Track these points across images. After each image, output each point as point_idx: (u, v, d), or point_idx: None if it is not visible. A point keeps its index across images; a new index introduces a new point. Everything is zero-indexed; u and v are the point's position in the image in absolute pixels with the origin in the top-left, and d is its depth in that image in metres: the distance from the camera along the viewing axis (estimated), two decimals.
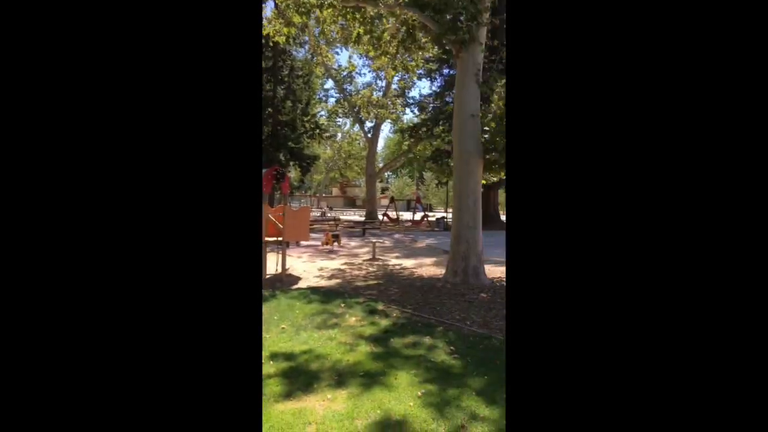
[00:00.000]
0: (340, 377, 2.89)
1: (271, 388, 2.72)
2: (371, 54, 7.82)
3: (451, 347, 3.50)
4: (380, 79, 21.71)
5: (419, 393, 2.65)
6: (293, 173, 21.64)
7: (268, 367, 3.05)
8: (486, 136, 6.16)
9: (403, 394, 2.64)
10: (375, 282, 6.32)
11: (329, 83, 25.57)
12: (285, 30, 7.23)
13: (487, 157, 6.01)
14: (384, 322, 4.19)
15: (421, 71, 16.14)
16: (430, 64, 16.96)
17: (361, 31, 7.11)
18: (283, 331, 3.88)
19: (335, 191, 50.45)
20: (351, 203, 47.19)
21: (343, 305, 4.83)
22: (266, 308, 4.67)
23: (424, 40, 7.22)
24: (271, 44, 8.04)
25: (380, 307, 4.80)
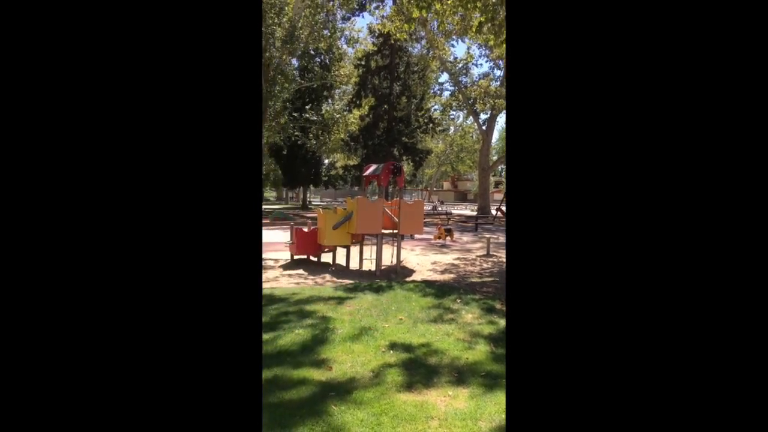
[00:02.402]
0: (460, 375, 2.85)
1: (392, 377, 2.78)
2: (491, 43, 7.55)
3: None
4: (498, 69, 20.92)
5: None
6: (406, 167, 22.02)
7: (389, 356, 3.13)
8: None
9: None
10: (490, 279, 6.13)
11: (444, 77, 25.35)
12: (405, 26, 7.32)
13: None
14: (502, 322, 4.03)
15: None
16: None
17: (483, 19, 6.88)
18: (400, 322, 3.96)
19: (446, 185, 50.24)
20: (462, 197, 46.56)
21: (458, 301, 4.77)
22: (384, 298, 4.82)
23: None
24: (392, 41, 8.22)
25: (497, 305, 4.63)
